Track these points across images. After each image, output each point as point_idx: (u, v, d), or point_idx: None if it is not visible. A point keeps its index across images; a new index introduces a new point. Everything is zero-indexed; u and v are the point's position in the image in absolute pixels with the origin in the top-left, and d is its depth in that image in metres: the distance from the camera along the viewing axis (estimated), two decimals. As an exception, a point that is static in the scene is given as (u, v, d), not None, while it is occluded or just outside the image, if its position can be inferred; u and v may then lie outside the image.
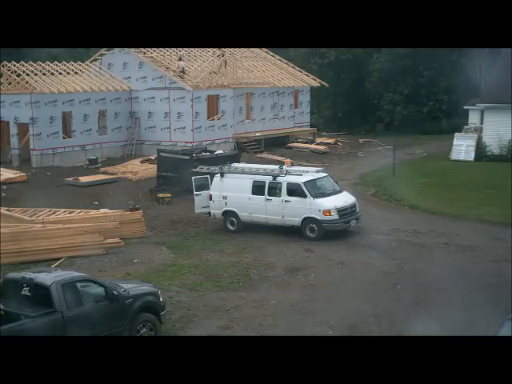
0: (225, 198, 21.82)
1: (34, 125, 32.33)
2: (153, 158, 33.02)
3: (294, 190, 20.70)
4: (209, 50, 39.75)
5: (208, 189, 22.13)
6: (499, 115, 34.13)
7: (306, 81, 46.31)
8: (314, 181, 21.08)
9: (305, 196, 20.47)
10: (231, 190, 21.68)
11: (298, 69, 47.52)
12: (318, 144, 42.17)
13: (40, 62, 36.26)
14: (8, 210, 21.59)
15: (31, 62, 35.80)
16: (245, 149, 37.58)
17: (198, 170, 23.09)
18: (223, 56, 39.08)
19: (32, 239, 18.72)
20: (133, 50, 37.45)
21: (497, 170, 30.74)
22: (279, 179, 20.96)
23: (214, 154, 28.18)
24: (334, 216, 20.36)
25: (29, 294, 11.90)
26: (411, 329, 12.71)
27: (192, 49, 40.59)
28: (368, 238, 20.62)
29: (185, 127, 36.11)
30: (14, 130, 33.13)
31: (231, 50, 40.58)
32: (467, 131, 36.93)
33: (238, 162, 25.97)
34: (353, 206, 21.17)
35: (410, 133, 46.02)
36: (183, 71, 36.86)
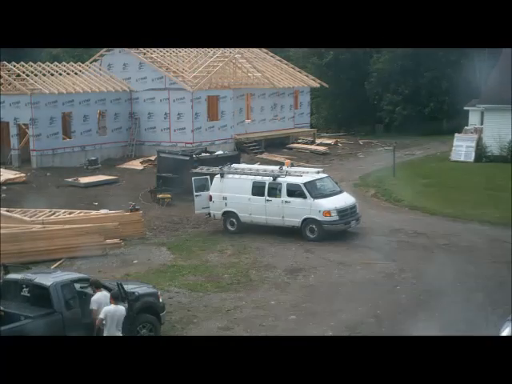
0: (225, 198, 21.80)
1: (34, 125, 32.33)
2: (153, 158, 33.03)
3: (294, 191, 20.68)
4: (209, 50, 39.79)
5: (208, 189, 22.11)
6: (499, 116, 34.11)
7: (306, 81, 46.34)
8: (313, 181, 21.06)
9: (305, 197, 20.45)
10: (231, 191, 21.66)
11: (298, 69, 47.56)
12: (317, 145, 42.17)
13: (40, 63, 36.28)
14: (8, 211, 21.58)
15: (31, 63, 35.82)
16: (245, 149, 37.57)
17: (197, 170, 23.09)
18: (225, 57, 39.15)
19: (32, 240, 18.70)
20: (133, 50, 37.47)
21: (497, 171, 30.72)
22: (279, 180, 20.94)
23: (214, 155, 28.16)
24: (334, 217, 20.33)
25: (28, 294, 11.90)
26: (411, 329, 12.69)
27: (192, 49, 40.61)
28: (368, 238, 20.61)
29: (185, 128, 36.11)
30: (13, 130, 33.12)
31: (231, 50, 40.58)
32: (467, 132, 36.92)
33: (239, 162, 25.96)
34: (353, 207, 21.14)
35: (410, 134, 46.03)
36: None
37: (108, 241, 19.52)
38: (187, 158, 27.14)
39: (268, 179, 21.10)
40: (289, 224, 20.86)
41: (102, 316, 11.26)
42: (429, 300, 15.02)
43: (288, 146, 40.88)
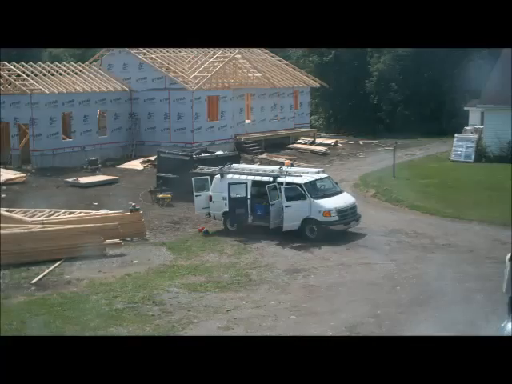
0: (225, 198, 21.78)
1: (34, 125, 32.33)
2: (153, 158, 33.03)
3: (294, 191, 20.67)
4: (209, 50, 39.81)
5: (208, 189, 22.11)
6: (499, 116, 34.13)
7: (306, 81, 46.35)
8: (313, 182, 21.06)
9: (305, 197, 20.45)
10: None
11: (298, 69, 47.56)
12: (318, 145, 42.16)
13: (40, 63, 36.30)
14: (8, 211, 21.58)
15: (31, 63, 35.83)
16: (245, 150, 37.57)
17: (197, 170, 23.07)
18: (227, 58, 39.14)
19: (32, 240, 18.69)
20: (133, 50, 37.48)
21: (497, 171, 30.73)
22: (279, 180, 20.93)
23: (214, 155, 28.15)
24: (334, 217, 20.33)
25: None
26: (411, 329, 12.69)
27: (193, 49, 40.63)
28: (368, 238, 20.61)
29: (185, 128, 36.11)
30: (13, 130, 33.13)
31: (231, 50, 40.60)
32: (467, 132, 36.92)
33: (239, 162, 25.96)
34: (353, 207, 21.14)
35: (410, 134, 46.02)
36: None
37: (108, 241, 19.51)
38: (187, 158, 27.13)
39: (268, 179, 21.09)
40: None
41: None
42: (429, 300, 15.01)
43: (288, 146, 40.87)
